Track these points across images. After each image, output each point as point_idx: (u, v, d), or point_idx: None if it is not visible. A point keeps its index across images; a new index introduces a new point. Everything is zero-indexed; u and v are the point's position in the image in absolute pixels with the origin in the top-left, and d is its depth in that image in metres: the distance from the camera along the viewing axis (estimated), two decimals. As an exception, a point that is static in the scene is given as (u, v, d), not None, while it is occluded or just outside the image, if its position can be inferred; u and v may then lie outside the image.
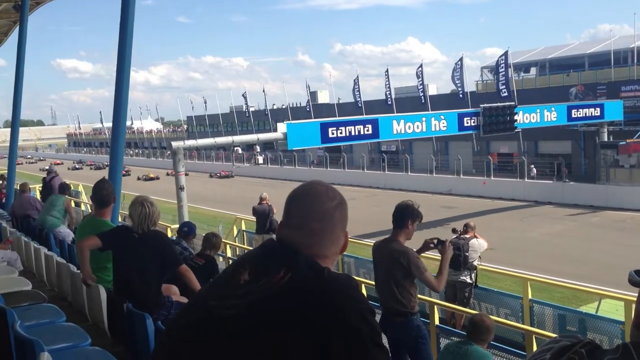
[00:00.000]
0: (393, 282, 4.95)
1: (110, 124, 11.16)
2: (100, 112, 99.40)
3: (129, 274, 4.28)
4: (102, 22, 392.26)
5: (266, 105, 61.25)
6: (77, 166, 72.41)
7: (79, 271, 4.95)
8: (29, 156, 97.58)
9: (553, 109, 25.86)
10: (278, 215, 13.98)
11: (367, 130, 20.31)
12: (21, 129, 17.50)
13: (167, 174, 47.46)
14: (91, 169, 67.93)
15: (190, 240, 7.64)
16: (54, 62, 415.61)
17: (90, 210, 13.93)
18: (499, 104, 24.27)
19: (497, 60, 37.94)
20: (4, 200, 14.51)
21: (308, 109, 53.08)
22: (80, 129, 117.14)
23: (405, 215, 5.18)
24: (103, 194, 5.10)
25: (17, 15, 18.70)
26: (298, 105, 62.69)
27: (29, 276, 5.98)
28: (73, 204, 18.72)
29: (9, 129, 15.75)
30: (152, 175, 54.68)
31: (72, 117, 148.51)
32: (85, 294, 4.89)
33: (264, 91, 62.42)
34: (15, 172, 15.02)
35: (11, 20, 22.15)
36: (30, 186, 14.55)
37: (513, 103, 25.55)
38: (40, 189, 14.57)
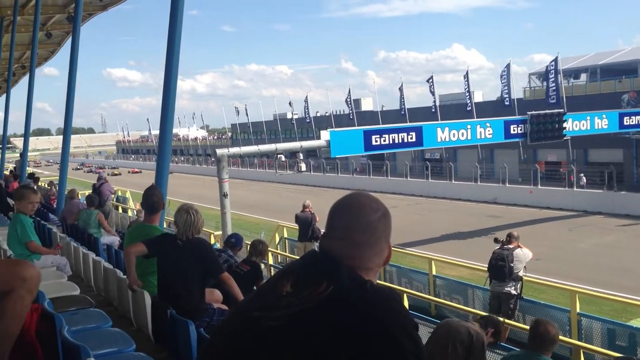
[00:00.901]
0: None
1: (157, 132, 11.37)
2: (148, 120, 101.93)
3: (173, 280, 4.34)
4: (150, 33, 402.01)
5: (309, 113, 61.44)
6: (78, 167, 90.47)
7: (125, 276, 5.05)
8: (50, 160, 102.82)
9: (604, 116, 25.13)
10: (321, 223, 13.99)
11: (411, 138, 20.14)
12: (73, 136, 18.00)
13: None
14: (84, 171, 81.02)
15: (237, 252, 7.71)
16: (104, 72, 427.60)
17: (136, 216, 14.25)
18: (547, 111, 23.74)
19: (547, 66, 37.20)
20: (54, 206, 14.94)
21: (351, 117, 53.08)
22: (128, 136, 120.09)
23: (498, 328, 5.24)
24: (153, 201, 5.20)
25: (69, 26, 19.34)
26: (341, 112, 62.71)
27: (77, 281, 6.13)
28: (121, 210, 19.22)
29: (62, 137, 16.19)
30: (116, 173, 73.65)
31: (121, 124, 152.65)
32: (130, 299, 4.98)
33: (306, 100, 62.43)
34: (66, 178, 15.44)
35: (64, 31, 22.98)
36: (80, 192, 14.98)
37: (562, 110, 24.95)
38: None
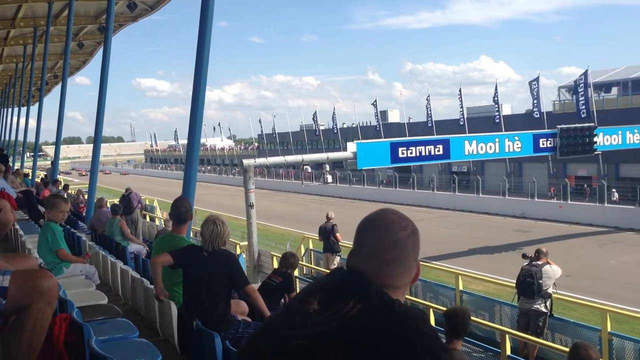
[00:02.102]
0: None
1: (184, 142, 11.49)
2: (176, 130, 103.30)
3: (198, 291, 4.35)
4: (179, 43, 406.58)
5: (335, 124, 61.52)
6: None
7: (152, 286, 5.07)
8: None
9: (636, 130, 24.66)
10: (342, 234, 13.97)
11: (438, 151, 20.01)
12: (102, 145, 18.28)
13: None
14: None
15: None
16: (133, 81, 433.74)
17: (164, 225, 14.37)
18: (577, 125, 23.42)
19: (577, 79, 36.75)
20: (83, 214, 15.15)
21: (378, 129, 52.99)
22: (156, 145, 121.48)
23: (466, 326, 4.97)
24: (182, 211, 5.23)
25: (101, 37, 19.76)
26: (368, 124, 62.66)
27: (105, 289, 6.19)
28: (148, 219, 19.40)
29: (92, 145, 16.45)
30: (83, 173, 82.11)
31: (149, 134, 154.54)
32: (157, 309, 5.00)
33: (333, 112, 62.49)
34: (96, 186, 15.66)
35: (96, 41, 23.48)
36: (108, 200, 15.17)
37: (592, 124, 24.64)
38: (119, 202, 15.12)
